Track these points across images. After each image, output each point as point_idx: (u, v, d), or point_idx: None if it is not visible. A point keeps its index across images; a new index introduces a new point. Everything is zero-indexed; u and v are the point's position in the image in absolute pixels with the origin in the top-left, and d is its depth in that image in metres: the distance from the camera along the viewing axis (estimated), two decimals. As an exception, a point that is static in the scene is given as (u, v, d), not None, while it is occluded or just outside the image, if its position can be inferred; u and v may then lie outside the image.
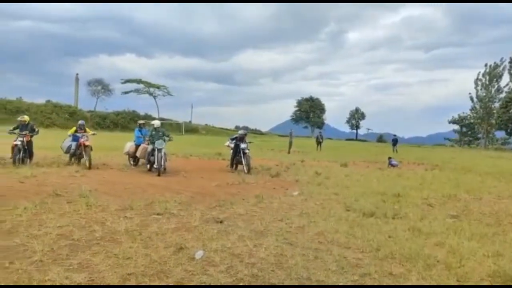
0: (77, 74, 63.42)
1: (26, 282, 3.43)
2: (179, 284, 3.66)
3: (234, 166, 13.76)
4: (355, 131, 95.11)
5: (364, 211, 7.08)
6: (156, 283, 3.62)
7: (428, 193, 9.68)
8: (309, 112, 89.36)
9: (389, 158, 19.01)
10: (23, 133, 11.75)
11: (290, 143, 27.01)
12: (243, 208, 7.11)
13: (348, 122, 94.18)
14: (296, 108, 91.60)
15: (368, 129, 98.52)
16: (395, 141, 34.91)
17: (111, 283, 3.55)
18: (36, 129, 12.50)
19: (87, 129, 13.32)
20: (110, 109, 62.02)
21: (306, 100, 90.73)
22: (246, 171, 12.92)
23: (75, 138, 12.75)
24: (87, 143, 12.45)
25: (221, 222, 6.02)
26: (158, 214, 6.37)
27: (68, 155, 13.05)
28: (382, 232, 5.75)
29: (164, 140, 12.02)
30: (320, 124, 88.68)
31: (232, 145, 13.91)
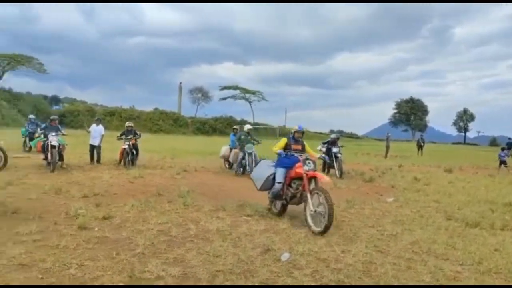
0: (180, 83, 68.35)
1: (128, 272, 3.80)
2: (263, 284, 3.75)
3: (326, 170, 13.58)
4: (463, 134, 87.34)
5: (468, 220, 6.49)
6: (242, 282, 3.75)
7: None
8: (410, 114, 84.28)
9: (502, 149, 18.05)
10: (129, 137, 12.92)
11: (387, 147, 25.75)
12: (333, 213, 6.97)
13: (454, 124, 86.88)
14: (395, 111, 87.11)
15: (479, 132, 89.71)
16: (510, 145, 31.17)
17: (202, 278, 3.77)
18: (138, 133, 13.65)
19: (308, 148, 7.01)
20: (209, 115, 65.55)
21: (406, 101, 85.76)
22: (338, 175, 12.67)
23: (283, 162, 6.56)
24: (323, 179, 6.23)
25: (309, 226, 5.98)
26: (248, 215, 6.58)
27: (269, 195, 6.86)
28: (487, 244, 5.23)
29: (253, 144, 12.36)
30: (422, 127, 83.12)
31: (324, 149, 13.74)
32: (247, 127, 13.20)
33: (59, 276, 3.65)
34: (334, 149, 13.11)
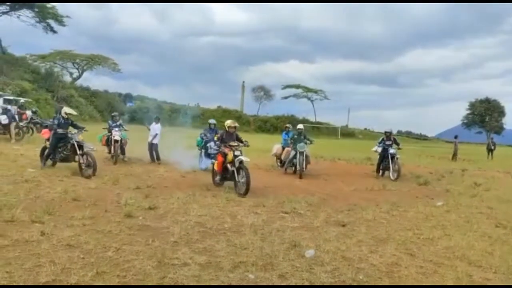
0: (243, 81, 69.66)
1: (158, 258, 4.14)
2: (281, 276, 3.89)
3: (381, 172, 13.21)
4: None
5: (518, 229, 6.10)
6: (261, 273, 3.93)
7: None
8: (484, 115, 78.29)
9: None
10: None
11: (455, 150, 24.30)
12: (372, 214, 6.90)
13: (536, 127, 79.29)
14: (469, 111, 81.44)
15: None
16: None
17: (223, 267, 4.01)
18: (246, 142, 10.49)
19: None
20: (271, 113, 66.06)
21: (481, 102, 79.73)
22: (393, 177, 12.30)
23: None
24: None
25: (343, 225, 6.01)
26: (285, 212, 6.73)
27: None
28: (531, 255, 4.91)
29: (306, 143, 12.39)
30: (498, 130, 76.97)
31: (380, 150, 13.37)
32: (300, 126, 13.27)
33: (98, 257, 4.08)
34: (391, 150, 12.70)
